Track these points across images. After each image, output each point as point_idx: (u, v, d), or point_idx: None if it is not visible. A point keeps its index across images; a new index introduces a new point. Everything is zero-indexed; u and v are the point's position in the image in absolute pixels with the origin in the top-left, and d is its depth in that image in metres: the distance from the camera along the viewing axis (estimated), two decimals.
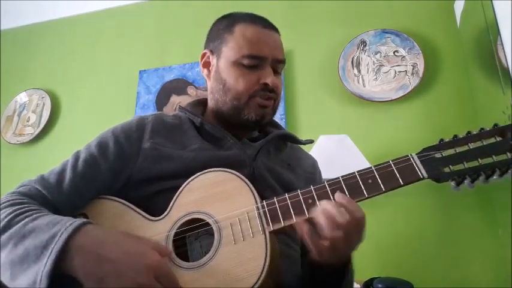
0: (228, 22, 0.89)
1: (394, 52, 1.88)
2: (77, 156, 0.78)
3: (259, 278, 0.60)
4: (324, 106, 1.91)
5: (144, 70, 2.28)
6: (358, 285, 1.33)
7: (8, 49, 2.70)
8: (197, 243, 0.70)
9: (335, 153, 1.53)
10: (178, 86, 2.20)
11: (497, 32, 1.34)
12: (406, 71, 1.82)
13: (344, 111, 1.87)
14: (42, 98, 2.43)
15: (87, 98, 2.37)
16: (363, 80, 1.88)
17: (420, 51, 1.80)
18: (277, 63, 0.87)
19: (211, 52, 0.90)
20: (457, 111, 1.72)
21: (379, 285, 1.27)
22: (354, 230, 0.63)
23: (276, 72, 0.87)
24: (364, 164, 1.49)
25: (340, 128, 1.80)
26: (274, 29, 0.91)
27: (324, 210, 0.64)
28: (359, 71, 1.90)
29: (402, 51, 1.86)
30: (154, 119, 0.85)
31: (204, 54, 0.92)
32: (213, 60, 0.89)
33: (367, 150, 1.64)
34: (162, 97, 2.20)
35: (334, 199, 0.66)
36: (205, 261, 0.64)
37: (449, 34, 1.85)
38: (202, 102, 0.96)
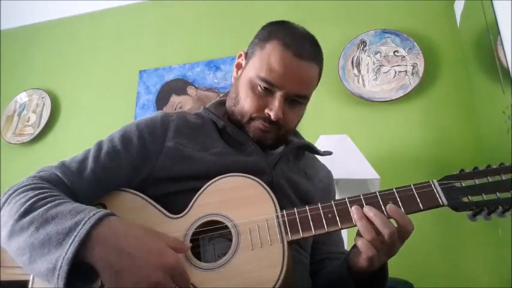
0: (266, 34, 0.84)
1: (394, 52, 1.88)
2: (99, 147, 0.77)
3: (274, 286, 0.61)
4: (324, 106, 1.91)
5: (144, 70, 2.28)
6: None
7: (8, 49, 2.70)
8: (211, 246, 0.70)
9: (335, 153, 1.52)
10: (178, 86, 2.20)
11: (497, 32, 1.34)
12: (406, 71, 1.82)
13: (344, 111, 1.88)
14: (42, 98, 2.44)
15: (87, 98, 2.38)
16: (363, 80, 1.88)
17: (420, 51, 1.81)
18: (296, 97, 0.82)
19: (246, 57, 0.88)
20: (457, 111, 1.72)
21: None
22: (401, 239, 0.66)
23: (294, 103, 0.82)
24: (364, 164, 1.49)
25: (340, 128, 1.80)
26: (309, 59, 0.83)
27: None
28: (359, 71, 1.90)
29: (402, 51, 1.86)
30: (178, 118, 0.84)
31: (240, 55, 0.90)
32: (243, 65, 0.87)
33: (367, 150, 1.64)
34: (162, 97, 2.20)
35: (354, 216, 0.66)
36: (221, 263, 0.65)
37: (449, 34, 1.85)
38: (224, 103, 0.93)
